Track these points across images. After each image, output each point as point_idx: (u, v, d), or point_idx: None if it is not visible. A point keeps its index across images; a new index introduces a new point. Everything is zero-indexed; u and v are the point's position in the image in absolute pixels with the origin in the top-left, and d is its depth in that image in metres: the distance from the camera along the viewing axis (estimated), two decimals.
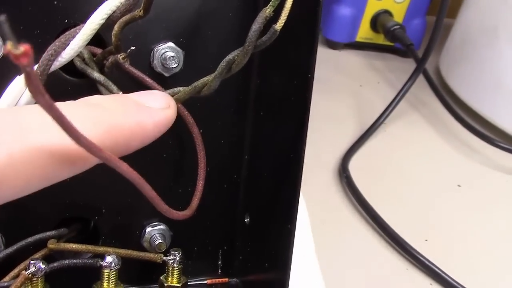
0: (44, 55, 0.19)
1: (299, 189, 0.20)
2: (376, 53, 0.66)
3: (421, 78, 0.53)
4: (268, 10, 0.17)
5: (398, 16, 0.63)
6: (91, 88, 0.22)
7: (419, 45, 0.65)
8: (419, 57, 0.53)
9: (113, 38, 0.19)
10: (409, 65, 0.56)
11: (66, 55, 0.20)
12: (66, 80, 0.22)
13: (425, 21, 0.65)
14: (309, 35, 0.19)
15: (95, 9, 0.20)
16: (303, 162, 0.20)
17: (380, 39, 0.64)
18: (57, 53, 0.20)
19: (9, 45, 0.10)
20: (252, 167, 0.25)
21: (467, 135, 0.49)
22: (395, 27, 0.60)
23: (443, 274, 0.33)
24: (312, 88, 0.20)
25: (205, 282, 0.26)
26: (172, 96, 0.19)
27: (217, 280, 0.27)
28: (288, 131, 0.21)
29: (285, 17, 0.17)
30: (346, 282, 0.33)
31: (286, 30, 0.17)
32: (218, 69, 0.17)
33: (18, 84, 0.18)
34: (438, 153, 0.48)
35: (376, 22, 0.63)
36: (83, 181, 0.23)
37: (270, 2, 0.17)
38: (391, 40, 0.61)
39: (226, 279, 0.27)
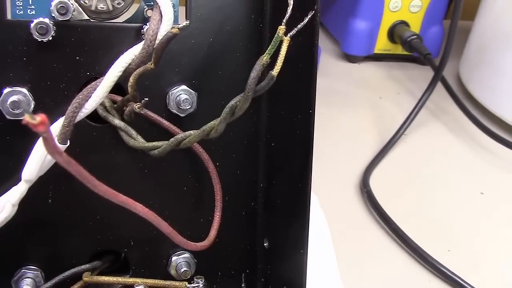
0: (69, 107, 0.22)
1: (308, 217, 0.22)
2: (395, 63, 0.66)
3: (441, 86, 0.54)
4: (264, 58, 0.19)
5: (415, 25, 0.64)
6: (113, 132, 0.24)
7: (438, 52, 0.65)
8: (437, 65, 0.54)
9: (129, 89, 0.21)
10: (430, 72, 0.56)
11: (89, 106, 0.22)
12: (91, 126, 0.24)
13: (442, 29, 0.65)
14: (308, 74, 0.21)
15: (113, 63, 0.22)
16: (310, 191, 0.22)
17: (399, 50, 0.65)
18: (81, 105, 0.22)
19: (27, 117, 0.12)
20: (267, 195, 0.26)
21: (488, 141, 0.50)
22: (412, 37, 0.60)
23: (466, 285, 0.34)
24: (314, 122, 0.21)
25: None
26: (185, 139, 0.21)
27: None
28: (296, 162, 0.23)
29: (281, 64, 0.18)
30: None
31: (286, 69, 0.19)
32: (222, 114, 0.19)
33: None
34: (459, 161, 0.49)
35: (393, 34, 0.64)
36: (113, 217, 0.25)
37: (267, 50, 0.19)
38: (409, 50, 0.62)
39: None
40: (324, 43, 0.70)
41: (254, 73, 0.18)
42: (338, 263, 0.35)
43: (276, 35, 0.18)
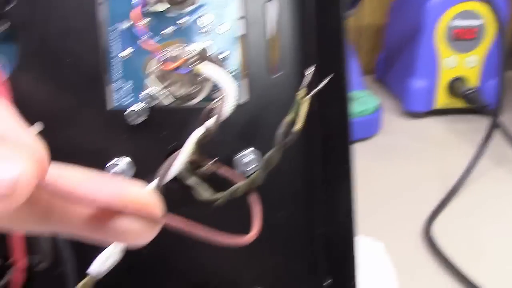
0: (159, 173, 0.27)
1: (355, 254, 0.26)
2: (457, 116, 0.69)
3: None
4: (288, 118, 0.23)
5: (473, 79, 0.67)
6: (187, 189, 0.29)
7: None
8: None
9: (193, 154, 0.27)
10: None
11: (173, 171, 0.28)
12: (176, 187, 0.30)
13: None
14: (343, 135, 0.26)
15: (189, 136, 0.28)
16: (354, 233, 0.26)
17: (459, 103, 0.68)
18: (166, 171, 0.28)
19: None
20: (324, 240, 0.31)
21: None
22: (470, 91, 0.63)
23: None
24: (352, 175, 0.26)
25: None
26: (236, 190, 0.26)
27: None
28: (342, 208, 0.27)
29: (301, 121, 0.23)
30: None
31: (326, 132, 0.24)
32: (260, 165, 0.24)
33: None
34: None
35: (452, 88, 0.67)
36: (198, 263, 0.30)
37: (289, 112, 0.24)
38: (468, 103, 0.64)
39: None
40: (386, 102, 0.74)
41: (280, 130, 0.23)
42: None
43: (296, 98, 0.23)
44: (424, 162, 0.59)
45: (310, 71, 0.23)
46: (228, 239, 0.15)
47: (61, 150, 0.27)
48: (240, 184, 0.25)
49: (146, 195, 0.14)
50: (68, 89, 0.28)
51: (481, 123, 0.67)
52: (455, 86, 0.66)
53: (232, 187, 0.25)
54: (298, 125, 0.22)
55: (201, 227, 0.15)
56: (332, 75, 0.24)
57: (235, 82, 0.29)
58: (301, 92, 0.22)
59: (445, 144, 0.63)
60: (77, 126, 0.29)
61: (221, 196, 0.26)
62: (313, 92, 0.22)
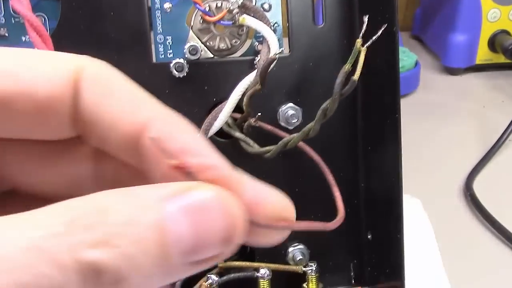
0: (202, 126, 0.28)
1: (402, 207, 0.26)
2: (498, 72, 0.67)
3: None
4: (347, 67, 0.23)
5: None
6: (235, 145, 0.29)
7: None
8: None
9: (244, 108, 0.27)
10: None
11: (217, 124, 0.28)
12: (218, 141, 0.30)
13: None
14: (392, 87, 0.25)
15: (233, 89, 0.27)
16: (401, 185, 0.25)
17: (501, 59, 0.66)
18: (210, 124, 0.28)
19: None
20: (368, 193, 0.30)
21: None
22: None
23: None
24: (400, 125, 0.25)
25: None
26: (290, 141, 0.26)
27: None
28: (388, 162, 0.27)
29: (360, 70, 0.22)
30: None
31: (373, 84, 0.23)
32: (316, 116, 0.24)
33: None
34: None
35: (494, 43, 0.65)
36: None
37: (348, 60, 0.23)
38: (510, 59, 0.62)
39: None
40: (424, 58, 0.72)
41: (339, 79, 0.22)
42: (444, 259, 0.37)
43: (354, 47, 0.22)
44: (464, 119, 0.58)
45: (366, 18, 0.22)
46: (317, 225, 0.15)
47: None
48: (293, 135, 0.25)
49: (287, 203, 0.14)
50: (113, 42, 0.28)
51: None
52: (497, 41, 0.64)
53: (285, 139, 0.25)
54: (357, 74, 0.21)
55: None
56: (386, 24, 0.23)
57: (277, 34, 0.28)
58: (360, 40, 0.21)
59: (485, 100, 0.61)
60: None
61: (273, 148, 0.26)
62: (372, 39, 0.21)
